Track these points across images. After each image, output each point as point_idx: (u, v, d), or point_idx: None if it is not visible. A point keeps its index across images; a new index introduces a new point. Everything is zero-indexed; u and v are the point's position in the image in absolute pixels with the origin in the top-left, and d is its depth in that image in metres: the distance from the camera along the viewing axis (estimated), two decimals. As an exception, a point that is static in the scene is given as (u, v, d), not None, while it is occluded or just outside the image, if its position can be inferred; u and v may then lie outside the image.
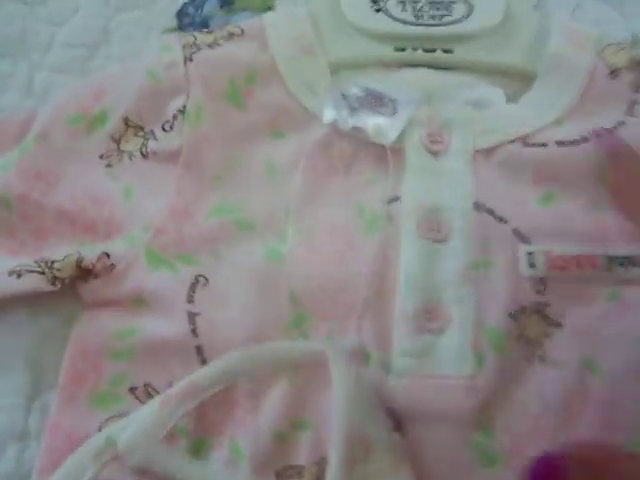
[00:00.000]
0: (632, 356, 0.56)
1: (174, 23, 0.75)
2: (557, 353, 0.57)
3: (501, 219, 0.60)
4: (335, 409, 0.51)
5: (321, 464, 0.51)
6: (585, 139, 0.62)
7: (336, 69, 0.66)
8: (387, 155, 0.62)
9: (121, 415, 0.56)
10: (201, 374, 0.55)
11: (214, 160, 0.63)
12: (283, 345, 0.55)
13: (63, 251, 0.60)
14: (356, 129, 0.62)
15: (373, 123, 0.63)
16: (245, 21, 0.69)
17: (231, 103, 0.64)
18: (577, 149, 0.62)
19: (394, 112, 0.63)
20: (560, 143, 0.62)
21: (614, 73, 0.64)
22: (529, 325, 0.57)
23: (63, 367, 0.59)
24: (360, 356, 0.57)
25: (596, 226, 0.60)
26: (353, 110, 0.63)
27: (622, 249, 0.59)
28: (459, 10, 0.67)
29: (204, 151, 0.63)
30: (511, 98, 0.66)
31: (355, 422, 0.51)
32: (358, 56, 0.67)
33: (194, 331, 0.58)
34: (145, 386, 0.57)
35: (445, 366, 0.56)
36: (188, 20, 0.75)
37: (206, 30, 0.68)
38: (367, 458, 0.51)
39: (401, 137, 0.62)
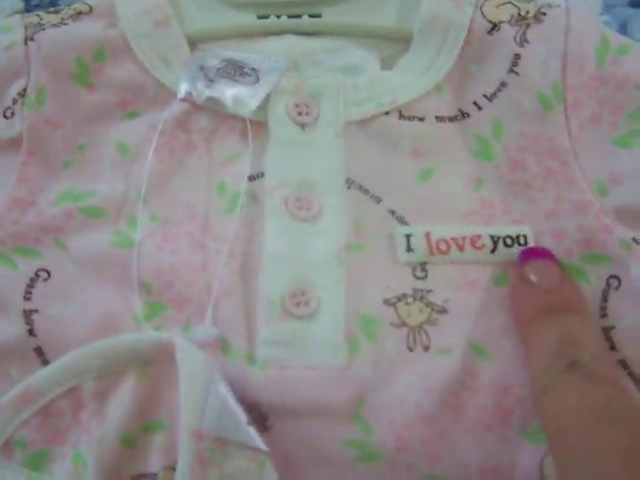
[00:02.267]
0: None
1: (20, 5, 0.70)
2: (443, 340, 0.52)
3: (375, 197, 0.56)
4: (181, 406, 0.46)
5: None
6: (466, 114, 0.59)
7: (195, 42, 0.62)
8: (249, 129, 0.57)
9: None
10: (38, 377, 0.50)
11: (60, 144, 0.58)
12: (128, 338, 0.50)
13: None
14: (212, 100, 0.58)
15: (232, 93, 0.58)
16: (96, -2, 0.64)
17: (78, 83, 0.60)
18: (457, 125, 0.59)
19: (256, 81, 0.59)
20: (439, 118, 0.59)
21: (495, 28, 0.59)
22: (410, 313, 0.53)
23: None
24: (219, 346, 0.52)
25: (479, 205, 0.56)
26: (210, 81, 0.59)
27: (507, 228, 0.55)
28: (327, -28, 0.63)
29: (49, 136, 0.58)
30: (386, 63, 0.62)
31: (205, 419, 0.46)
32: (218, 26, 0.63)
33: (31, 331, 0.53)
34: None
35: (315, 355, 0.52)
36: (36, 1, 0.70)
37: (52, 9, 0.64)
38: (223, 458, 0.46)
39: (264, 108, 0.58)
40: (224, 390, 0.47)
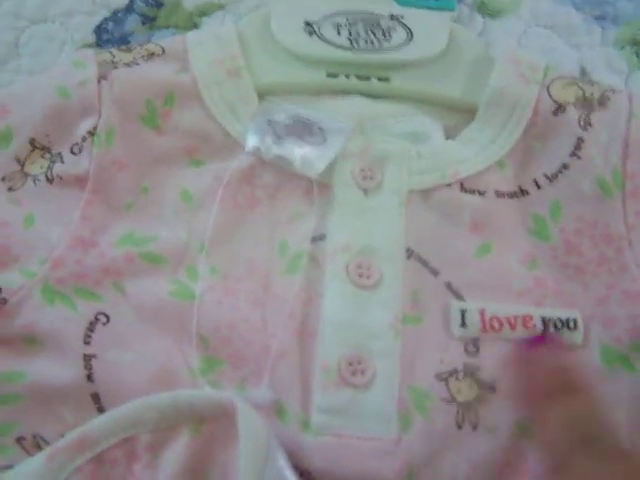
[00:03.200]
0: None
1: (92, 39, 0.71)
2: (491, 419, 0.54)
3: (434, 270, 0.58)
4: (240, 467, 0.47)
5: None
6: (525, 192, 0.60)
7: (264, 94, 0.63)
8: (313, 188, 0.59)
9: (6, 468, 0.52)
10: (95, 424, 0.50)
11: (125, 186, 0.59)
12: (187, 393, 0.51)
13: None
14: (280, 158, 0.59)
15: (299, 152, 0.60)
16: (167, 39, 0.66)
17: (147, 125, 0.61)
18: (516, 202, 0.60)
19: (323, 142, 0.60)
20: (499, 194, 0.60)
21: (560, 109, 0.61)
22: (460, 389, 0.54)
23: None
24: (275, 409, 0.53)
25: (533, 284, 0.57)
26: (278, 138, 0.60)
27: (559, 311, 0.56)
28: (398, 36, 0.65)
29: (114, 176, 0.59)
30: (450, 132, 0.63)
31: None
32: (288, 81, 0.64)
33: (90, 376, 0.54)
34: (34, 437, 0.53)
35: (368, 426, 0.53)
36: (107, 36, 0.71)
37: (125, 47, 0.65)
38: None
39: (330, 170, 0.59)
40: (282, 459, 0.48)
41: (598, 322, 0.56)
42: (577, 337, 0.55)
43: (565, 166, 0.60)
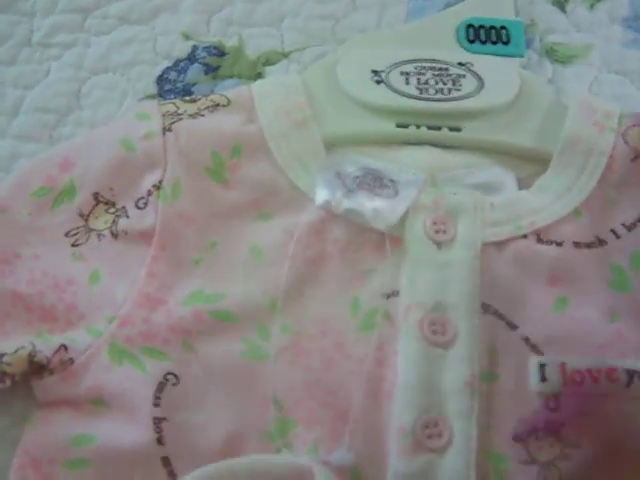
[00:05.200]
0: None
1: (153, 89, 0.71)
2: (574, 476, 0.52)
3: (511, 324, 0.56)
4: None
5: None
6: (603, 241, 0.59)
7: (332, 145, 0.63)
8: (385, 243, 0.58)
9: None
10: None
11: (192, 241, 0.59)
12: (264, 458, 0.51)
13: (15, 342, 0.55)
14: (351, 212, 0.59)
15: (371, 206, 0.59)
16: (232, 89, 0.66)
17: (213, 178, 0.61)
18: (593, 252, 0.59)
19: (395, 194, 0.60)
20: (577, 244, 0.59)
21: (637, 156, 0.60)
22: (541, 448, 0.53)
23: (11, 475, 0.54)
24: (351, 474, 0.52)
25: (615, 337, 0.56)
26: (349, 191, 0.59)
27: None
28: (468, 85, 0.65)
29: (181, 231, 0.59)
30: (524, 182, 0.62)
31: None
32: (356, 131, 0.64)
33: (160, 440, 0.53)
34: None
35: None
36: (169, 86, 0.71)
37: (189, 98, 0.65)
38: None
39: (402, 223, 0.59)
40: None
41: None
42: None
43: None
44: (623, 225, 0.59)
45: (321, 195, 0.59)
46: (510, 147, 0.64)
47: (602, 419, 0.54)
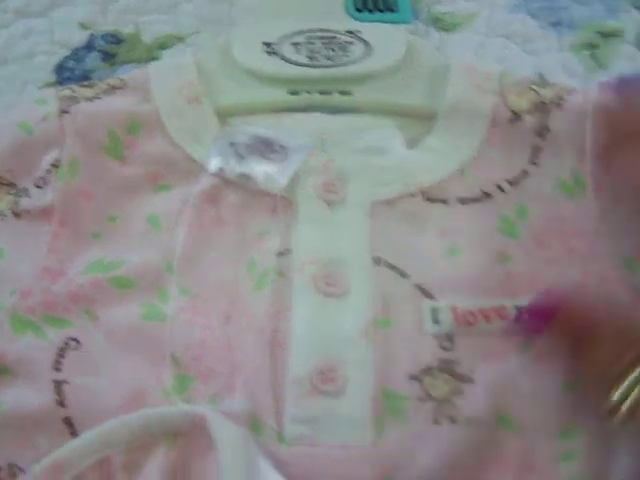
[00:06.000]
0: (549, 407, 0.54)
1: (53, 78, 0.73)
2: (469, 411, 0.53)
3: (403, 274, 0.58)
4: (221, 474, 0.47)
5: None
6: (489, 195, 0.61)
7: (226, 117, 0.65)
8: (278, 205, 0.60)
9: (-17, 499, 0.52)
10: (67, 449, 0.50)
11: (91, 216, 0.60)
12: (157, 411, 0.52)
13: None
14: (243, 176, 0.60)
15: (262, 170, 0.61)
16: (129, 72, 0.68)
17: (111, 156, 0.62)
18: (480, 205, 0.61)
19: (285, 158, 0.61)
20: (463, 200, 0.61)
21: (516, 117, 0.62)
22: (436, 385, 0.54)
23: None
24: (248, 423, 0.53)
25: (504, 278, 0.58)
26: (241, 157, 0.61)
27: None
28: (357, 51, 0.66)
29: (80, 207, 0.60)
30: (412, 142, 0.64)
31: None
32: (248, 102, 0.66)
33: (61, 402, 0.54)
34: (10, 466, 0.53)
35: (342, 434, 0.53)
36: (68, 74, 0.73)
37: (86, 83, 0.67)
38: None
39: (294, 186, 0.61)
40: (264, 462, 0.49)
41: None
42: None
43: (525, 172, 0.61)
44: (507, 181, 0.61)
45: (214, 163, 0.61)
46: (399, 108, 0.66)
47: (495, 355, 0.55)
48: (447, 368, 0.55)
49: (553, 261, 0.58)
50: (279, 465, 0.51)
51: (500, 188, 0.61)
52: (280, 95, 0.66)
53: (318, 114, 0.65)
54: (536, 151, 0.61)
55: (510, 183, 0.61)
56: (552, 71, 0.72)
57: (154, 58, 0.74)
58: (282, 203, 0.60)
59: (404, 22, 0.69)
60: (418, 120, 0.65)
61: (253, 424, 0.53)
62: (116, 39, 0.75)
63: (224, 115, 0.65)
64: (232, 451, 0.48)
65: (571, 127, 0.61)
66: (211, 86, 0.65)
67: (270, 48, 0.66)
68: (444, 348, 0.55)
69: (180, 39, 0.75)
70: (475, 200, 0.61)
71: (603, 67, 0.74)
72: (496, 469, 0.52)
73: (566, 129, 0.62)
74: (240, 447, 0.49)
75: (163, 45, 0.75)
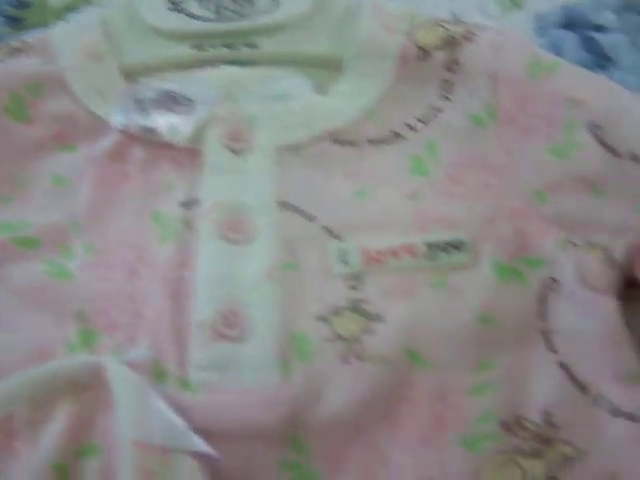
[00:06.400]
0: (460, 343, 0.54)
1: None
2: (378, 349, 0.53)
3: (309, 217, 0.58)
4: (120, 421, 0.47)
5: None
6: (399, 135, 0.61)
7: (132, 74, 0.64)
8: (183, 156, 0.60)
9: None
10: (-31, 406, 0.50)
11: None
12: (59, 364, 0.51)
13: None
14: (147, 130, 0.60)
15: (166, 122, 0.60)
16: (33, 34, 0.67)
17: (13, 118, 0.62)
18: (390, 147, 0.61)
19: (191, 111, 0.61)
20: (372, 142, 0.61)
21: (426, 54, 0.62)
22: (344, 325, 0.54)
23: None
24: (153, 372, 0.53)
25: (414, 215, 0.58)
26: (145, 112, 0.61)
27: (442, 234, 0.57)
28: (263, 3, 0.66)
29: None
30: (321, 90, 0.64)
31: (147, 430, 0.47)
32: (155, 59, 0.65)
33: None
34: None
35: (247, 378, 0.53)
36: (-32, 40, 0.72)
37: (-13, 48, 0.66)
38: (166, 469, 0.47)
39: (199, 136, 0.60)
40: (162, 403, 0.49)
41: (487, 240, 0.56)
42: (466, 257, 0.56)
43: (437, 108, 0.61)
44: (417, 119, 0.61)
45: (118, 119, 0.61)
46: (307, 57, 0.65)
47: (406, 293, 0.55)
48: (356, 307, 0.55)
49: (465, 197, 0.58)
50: (183, 412, 0.50)
51: (410, 127, 0.61)
52: (185, 51, 0.65)
53: (226, 67, 0.65)
54: (447, 85, 0.61)
55: (421, 121, 0.61)
56: (467, 12, 0.73)
57: (63, 21, 0.73)
58: (188, 154, 0.60)
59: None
60: (328, 68, 0.65)
61: (157, 372, 0.53)
62: (21, 3, 0.74)
63: (131, 73, 0.64)
64: (129, 398, 0.48)
65: (483, 60, 0.61)
66: (116, 44, 0.65)
67: (175, 5, 0.66)
68: (353, 288, 0.55)
69: (87, 1, 0.74)
70: (385, 141, 0.61)
71: (519, 6, 0.74)
72: (408, 405, 0.52)
73: (477, 62, 0.61)
74: (138, 394, 0.48)
75: (71, 7, 0.74)
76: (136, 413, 0.47)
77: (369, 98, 0.62)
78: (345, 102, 0.62)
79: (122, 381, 0.49)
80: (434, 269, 0.56)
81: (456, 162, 0.59)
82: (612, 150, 0.57)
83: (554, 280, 0.56)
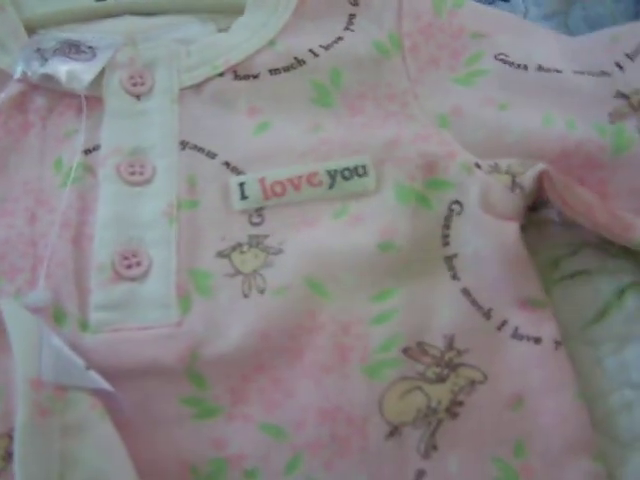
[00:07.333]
0: (361, 271, 0.54)
1: None
2: (279, 280, 0.54)
3: (210, 154, 0.58)
4: (16, 359, 0.47)
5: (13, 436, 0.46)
6: (302, 61, 0.61)
7: (35, 27, 0.64)
8: (83, 102, 0.59)
9: None
10: None
11: None
12: None
13: None
14: (47, 77, 0.60)
15: (66, 69, 0.60)
16: None
17: None
18: (293, 74, 0.61)
19: (92, 58, 0.61)
20: (274, 71, 0.61)
21: None
22: (245, 260, 0.54)
23: None
24: (52, 315, 0.53)
25: (317, 143, 0.58)
26: (45, 60, 0.60)
27: (345, 161, 0.57)
28: (165, -49, 0.66)
29: None
30: (224, 32, 0.64)
31: (42, 368, 0.47)
32: (57, 10, 0.65)
33: None
34: None
35: (146, 315, 0.53)
36: None
37: None
38: (64, 407, 0.46)
39: (100, 82, 0.60)
40: (57, 341, 0.48)
41: (390, 163, 0.57)
42: (369, 183, 0.56)
43: (339, 38, 0.62)
44: (320, 46, 0.62)
45: (19, 69, 0.61)
46: (210, 4, 0.66)
47: (306, 224, 0.56)
48: (256, 242, 0.55)
49: (367, 125, 0.59)
50: (83, 352, 0.50)
51: (313, 52, 0.62)
52: (86, 3, 0.65)
53: (129, 17, 0.65)
54: (351, 19, 0.63)
55: (324, 47, 0.62)
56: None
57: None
58: (89, 101, 0.60)
59: None
60: (230, 15, 0.65)
61: (57, 315, 0.53)
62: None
63: (33, 26, 0.64)
64: (23, 338, 0.48)
65: None
66: (17, -3, 0.64)
67: (76, -43, 0.65)
68: (253, 223, 0.56)
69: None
70: (287, 69, 0.61)
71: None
72: (310, 335, 0.52)
73: None
74: (32, 334, 0.48)
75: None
76: (31, 352, 0.47)
77: (271, 30, 0.63)
78: (246, 36, 0.63)
79: (17, 321, 0.48)
80: (335, 198, 0.56)
81: (359, 92, 0.60)
82: (521, 67, 0.60)
83: (459, 203, 0.56)
